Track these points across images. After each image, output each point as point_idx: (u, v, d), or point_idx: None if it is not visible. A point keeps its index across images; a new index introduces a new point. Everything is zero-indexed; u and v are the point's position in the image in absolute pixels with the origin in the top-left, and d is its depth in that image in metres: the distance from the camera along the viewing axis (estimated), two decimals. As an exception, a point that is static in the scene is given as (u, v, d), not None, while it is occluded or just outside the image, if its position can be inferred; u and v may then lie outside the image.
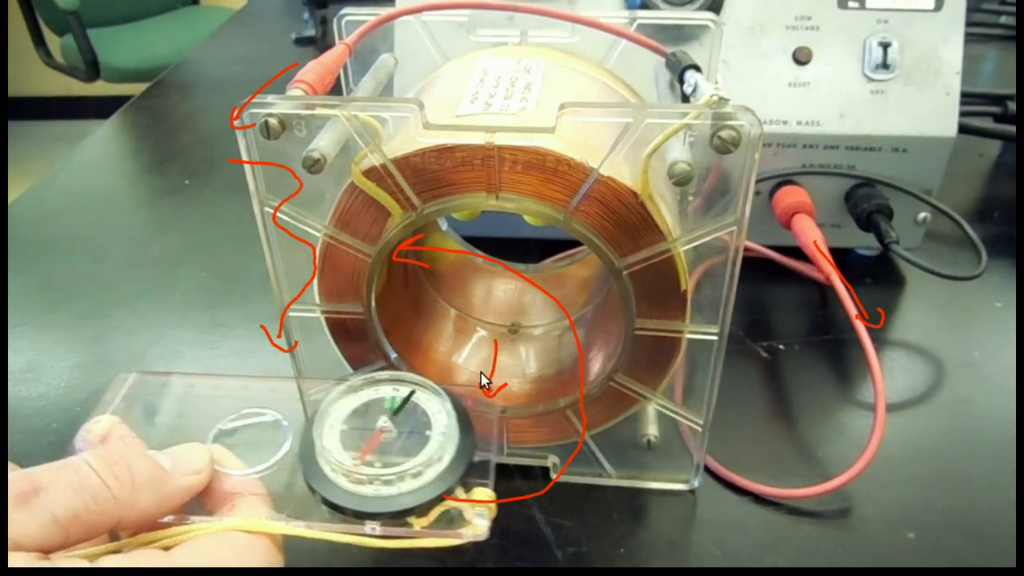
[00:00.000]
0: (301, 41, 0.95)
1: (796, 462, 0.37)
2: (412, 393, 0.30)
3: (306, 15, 0.99)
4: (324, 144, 0.28)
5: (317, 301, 0.33)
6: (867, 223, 0.47)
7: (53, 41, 2.05)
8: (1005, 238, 0.54)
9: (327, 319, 0.34)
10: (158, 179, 0.66)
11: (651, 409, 0.35)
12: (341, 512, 0.27)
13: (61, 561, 0.23)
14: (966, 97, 0.48)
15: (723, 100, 0.27)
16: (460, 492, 0.27)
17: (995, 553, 0.32)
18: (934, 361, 0.43)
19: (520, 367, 0.40)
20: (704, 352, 0.32)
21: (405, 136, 0.29)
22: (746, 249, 0.43)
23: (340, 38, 0.36)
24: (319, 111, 0.28)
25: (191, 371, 0.35)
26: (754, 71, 0.46)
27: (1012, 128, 0.58)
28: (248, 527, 0.26)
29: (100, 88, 2.05)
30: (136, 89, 0.88)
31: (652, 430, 0.35)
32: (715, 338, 0.31)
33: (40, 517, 0.23)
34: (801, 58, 0.46)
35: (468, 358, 0.40)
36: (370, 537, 0.26)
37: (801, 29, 0.46)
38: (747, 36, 0.46)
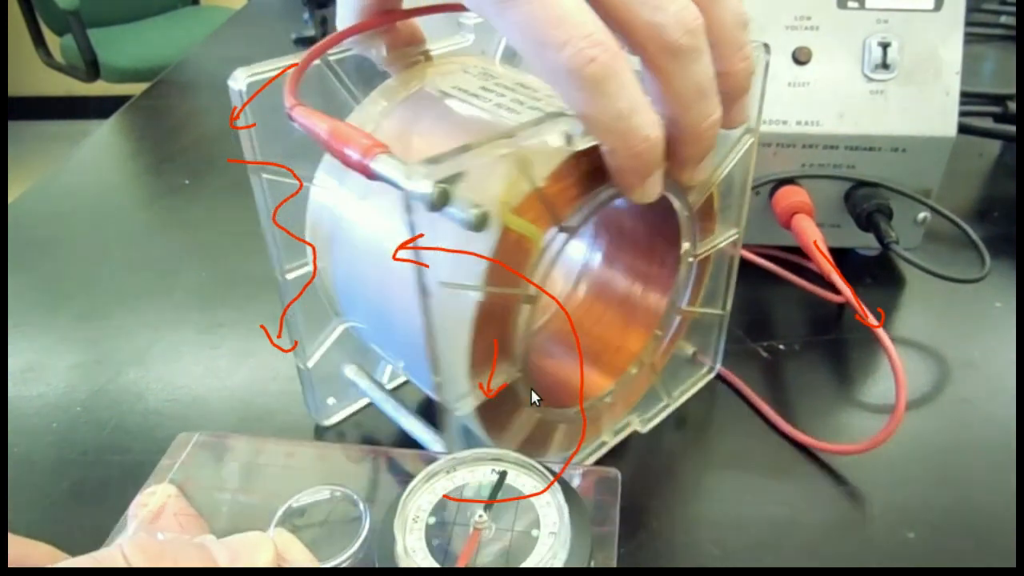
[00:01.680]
0: (301, 41, 0.96)
1: (796, 462, 0.37)
2: (503, 475, 0.25)
3: (306, 15, 0.99)
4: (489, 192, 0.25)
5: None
6: (867, 223, 0.47)
7: (53, 41, 2.05)
8: (1005, 238, 0.54)
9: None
10: (158, 179, 0.66)
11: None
12: None
13: None
14: (966, 97, 0.48)
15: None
16: None
17: (995, 553, 0.32)
18: (934, 361, 0.43)
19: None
20: (724, 258, 0.37)
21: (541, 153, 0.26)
22: (749, 262, 0.44)
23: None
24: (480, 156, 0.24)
25: (253, 435, 0.30)
26: (754, 71, 0.46)
27: (1012, 128, 0.58)
28: None
29: (100, 88, 2.06)
30: (136, 89, 0.88)
31: (689, 347, 0.39)
32: (735, 237, 0.37)
33: None
34: (801, 58, 0.46)
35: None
36: None
37: (801, 29, 0.46)
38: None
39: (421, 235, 0.23)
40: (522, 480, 0.25)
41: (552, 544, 0.23)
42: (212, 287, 0.51)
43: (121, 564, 0.21)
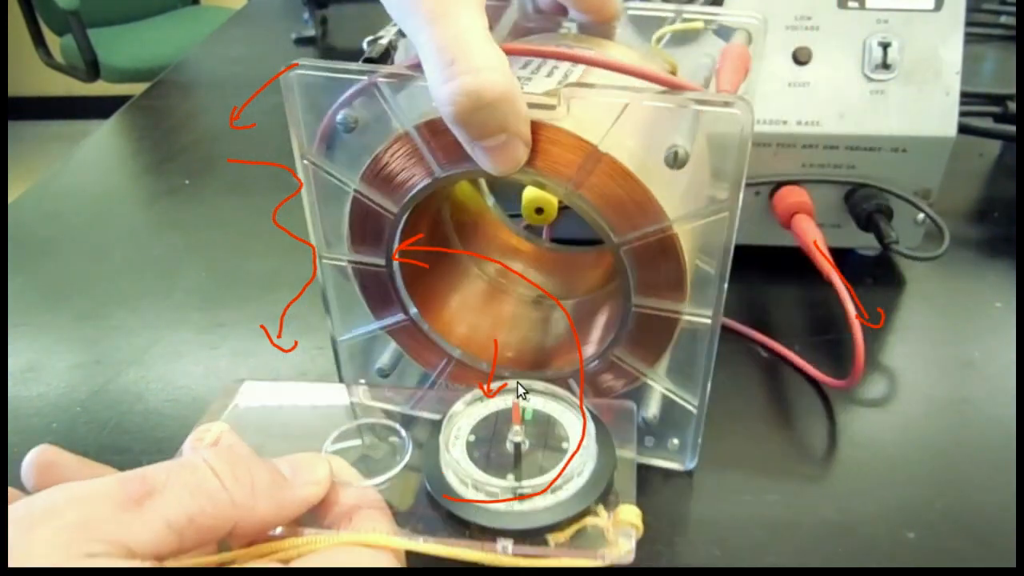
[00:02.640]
0: (301, 41, 0.96)
1: (796, 462, 0.37)
2: (526, 394, 0.29)
3: (306, 15, 0.99)
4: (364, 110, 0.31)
5: (346, 251, 0.35)
6: (867, 223, 0.47)
7: (53, 41, 2.05)
8: (1005, 238, 0.54)
9: (355, 269, 0.35)
10: (158, 179, 0.66)
11: (654, 391, 0.36)
12: (469, 528, 0.25)
13: (180, 567, 0.22)
14: (966, 97, 0.48)
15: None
16: (601, 511, 0.25)
17: (995, 553, 0.32)
18: (934, 361, 0.43)
19: (539, 336, 0.41)
20: (699, 336, 0.32)
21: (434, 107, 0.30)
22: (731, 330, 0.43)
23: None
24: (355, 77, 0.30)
25: (296, 379, 0.34)
26: (754, 71, 0.46)
27: (1012, 128, 0.58)
28: (371, 541, 0.24)
29: (100, 88, 2.06)
30: (136, 89, 0.88)
31: (652, 409, 0.35)
32: (708, 321, 0.32)
33: (153, 521, 0.21)
34: (801, 58, 0.46)
35: (486, 318, 0.41)
36: (501, 555, 0.24)
37: (801, 29, 0.46)
38: (747, 36, 0.46)
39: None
40: (550, 406, 0.29)
41: (582, 456, 0.26)
42: (212, 287, 0.51)
43: (203, 469, 0.23)
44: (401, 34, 0.36)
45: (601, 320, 0.39)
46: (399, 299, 0.36)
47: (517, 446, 0.27)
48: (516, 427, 0.28)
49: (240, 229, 0.57)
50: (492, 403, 0.29)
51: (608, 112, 0.29)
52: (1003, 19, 0.85)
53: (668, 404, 0.35)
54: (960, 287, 0.49)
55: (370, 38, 0.34)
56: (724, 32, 0.40)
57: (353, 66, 0.31)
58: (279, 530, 0.24)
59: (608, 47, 0.35)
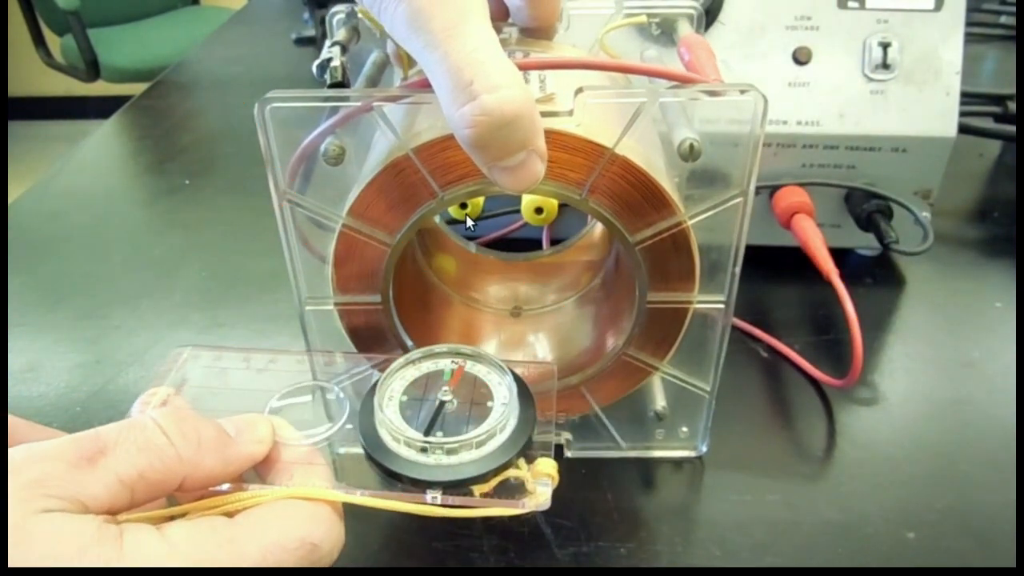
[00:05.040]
0: (301, 41, 0.96)
1: (796, 462, 0.37)
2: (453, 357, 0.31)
3: (306, 15, 0.99)
4: (345, 137, 0.29)
5: (331, 293, 0.33)
6: (867, 223, 0.47)
7: (53, 41, 2.05)
8: (1005, 238, 0.54)
9: (341, 311, 0.34)
10: (158, 179, 0.66)
11: (657, 382, 0.37)
12: (401, 481, 0.27)
13: (127, 523, 0.23)
14: (966, 97, 0.48)
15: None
16: (522, 464, 0.27)
17: (995, 553, 0.32)
18: (934, 361, 0.43)
19: (531, 351, 0.41)
20: (708, 323, 0.33)
21: (429, 125, 0.29)
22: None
23: (332, 35, 0.37)
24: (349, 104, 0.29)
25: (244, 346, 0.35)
26: (754, 71, 0.46)
27: (1012, 128, 0.58)
28: (310, 495, 0.25)
29: (100, 88, 2.05)
30: (136, 89, 0.88)
31: (660, 401, 0.36)
32: (722, 306, 0.33)
33: (106, 477, 0.22)
34: (801, 58, 0.46)
35: (480, 344, 0.41)
36: (431, 506, 0.26)
37: (801, 29, 0.46)
38: (747, 36, 0.46)
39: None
40: (477, 368, 0.31)
41: (504, 411, 0.28)
42: (212, 287, 0.51)
43: (151, 427, 0.24)
44: (344, 51, 0.34)
45: (603, 321, 0.40)
46: (395, 335, 0.35)
47: (441, 404, 0.29)
48: (444, 387, 0.29)
49: (240, 229, 0.57)
50: (423, 365, 0.31)
51: (614, 113, 0.29)
52: (1003, 19, 0.85)
53: (674, 394, 0.36)
54: (960, 287, 0.49)
55: (318, 62, 0.32)
56: (667, 23, 0.40)
57: (333, 93, 0.30)
58: (226, 486, 0.26)
59: (558, 48, 0.35)
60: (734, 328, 0.44)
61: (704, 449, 0.37)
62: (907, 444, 0.38)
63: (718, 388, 0.35)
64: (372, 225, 0.31)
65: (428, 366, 0.31)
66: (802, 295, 0.48)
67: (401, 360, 0.31)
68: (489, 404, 0.29)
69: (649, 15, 0.40)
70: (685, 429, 0.37)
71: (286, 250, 0.32)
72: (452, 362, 0.31)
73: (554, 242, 0.46)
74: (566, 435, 0.37)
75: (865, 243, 0.49)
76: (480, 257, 0.44)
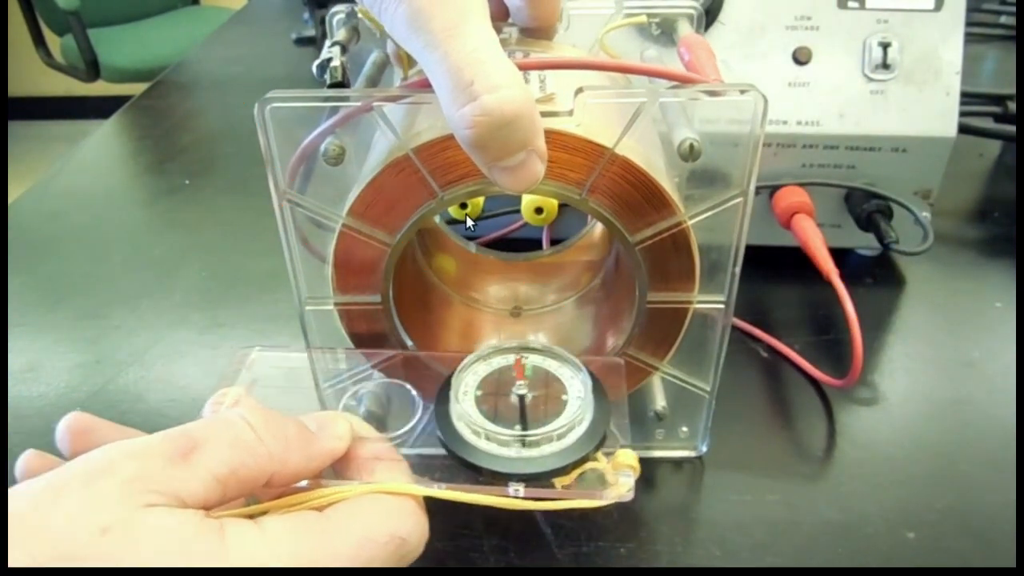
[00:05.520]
0: (301, 41, 0.96)
1: (796, 462, 0.37)
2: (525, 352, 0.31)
3: (306, 15, 0.99)
4: (345, 137, 0.29)
5: (331, 293, 0.33)
6: (867, 223, 0.47)
7: (53, 41, 2.05)
8: (1005, 238, 0.54)
9: (341, 311, 0.34)
10: (158, 179, 0.66)
11: (657, 382, 0.37)
12: (482, 474, 0.27)
13: (226, 518, 0.23)
14: (966, 97, 0.48)
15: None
16: (600, 456, 0.28)
17: (995, 553, 0.32)
18: (934, 361, 0.43)
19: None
20: (708, 323, 0.33)
21: (429, 126, 0.29)
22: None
23: (332, 35, 0.37)
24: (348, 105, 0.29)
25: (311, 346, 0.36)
26: (754, 71, 0.46)
27: (1012, 128, 0.58)
28: (395, 489, 0.26)
29: (100, 88, 2.06)
30: (136, 89, 0.88)
31: (660, 401, 0.36)
32: (722, 306, 0.33)
33: (200, 473, 0.23)
34: (801, 58, 0.46)
35: (480, 345, 0.41)
36: (513, 498, 0.26)
37: (801, 29, 0.46)
38: (747, 36, 0.46)
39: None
40: (547, 363, 0.31)
41: (581, 405, 0.28)
42: (212, 287, 0.51)
43: (240, 424, 0.24)
44: (344, 51, 0.34)
45: (603, 321, 0.40)
46: (395, 335, 0.35)
47: (522, 398, 0.29)
48: (520, 381, 0.30)
49: (240, 229, 0.57)
50: (495, 360, 0.31)
51: (614, 113, 0.29)
52: (1003, 19, 0.85)
53: (674, 394, 0.36)
54: (960, 287, 0.49)
55: (318, 62, 0.32)
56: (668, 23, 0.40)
57: (334, 93, 0.30)
58: (304, 483, 0.26)
59: (558, 48, 0.36)
60: (734, 328, 0.44)
61: (704, 449, 0.37)
62: (907, 444, 0.38)
63: (718, 388, 0.35)
64: (372, 225, 0.31)
65: (499, 361, 0.31)
66: (802, 295, 0.48)
67: (472, 356, 0.31)
68: (564, 398, 0.29)
69: (649, 15, 0.40)
70: (685, 429, 0.37)
71: (286, 250, 0.32)
72: (524, 357, 0.31)
73: (554, 242, 0.46)
74: None
75: (865, 243, 0.49)
76: (480, 257, 0.44)
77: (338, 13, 0.38)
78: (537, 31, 0.36)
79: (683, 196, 0.31)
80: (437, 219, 0.44)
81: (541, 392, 0.30)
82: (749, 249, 0.32)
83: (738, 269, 0.32)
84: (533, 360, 0.31)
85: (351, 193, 0.31)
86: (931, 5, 0.46)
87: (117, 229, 0.58)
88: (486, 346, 0.32)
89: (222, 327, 0.47)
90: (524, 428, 0.28)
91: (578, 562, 0.32)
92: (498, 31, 0.34)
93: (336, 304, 0.34)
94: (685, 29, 0.39)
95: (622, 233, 0.31)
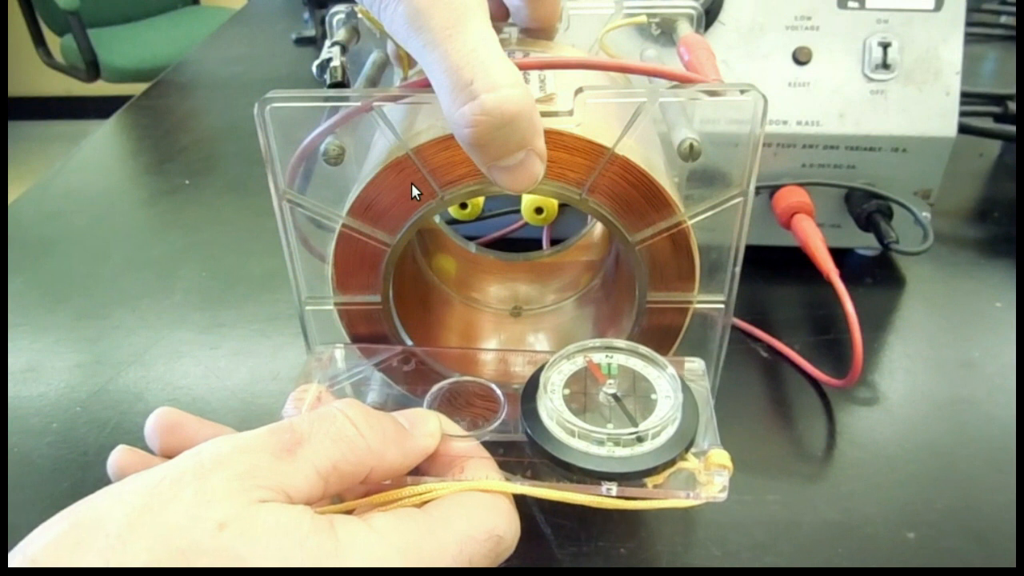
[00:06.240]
0: (301, 41, 0.96)
1: (796, 462, 0.37)
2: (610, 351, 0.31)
3: (306, 15, 0.99)
4: (345, 137, 0.29)
5: (331, 293, 0.33)
6: (867, 223, 0.47)
7: (53, 41, 2.05)
8: (1005, 238, 0.54)
9: (341, 311, 0.34)
10: (158, 179, 0.66)
11: None
12: (575, 473, 0.27)
13: (334, 514, 0.23)
14: (966, 97, 0.48)
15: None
16: (690, 456, 0.27)
17: (995, 553, 0.32)
18: (934, 361, 0.43)
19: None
20: (708, 323, 0.33)
21: (429, 126, 0.29)
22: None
23: (332, 35, 0.37)
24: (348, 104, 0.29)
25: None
26: (754, 71, 0.46)
27: (1012, 128, 0.58)
28: (488, 487, 0.25)
29: (100, 88, 2.06)
30: (136, 89, 0.88)
31: None
32: (722, 306, 0.33)
33: (305, 468, 0.23)
34: (801, 58, 0.46)
35: (480, 344, 0.41)
36: (606, 497, 0.26)
37: (801, 29, 0.46)
38: (747, 36, 0.46)
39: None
40: (632, 361, 0.31)
41: (672, 405, 0.28)
42: (212, 287, 0.51)
43: (341, 418, 0.24)
44: (344, 51, 0.34)
45: (603, 321, 0.40)
46: (395, 335, 0.35)
47: (613, 397, 0.29)
48: (610, 380, 0.30)
49: (240, 229, 0.57)
50: (579, 359, 0.31)
51: (614, 113, 0.29)
52: (1003, 19, 0.85)
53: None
54: (960, 287, 0.49)
55: (318, 62, 0.32)
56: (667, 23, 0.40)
57: (334, 93, 0.30)
58: (387, 482, 0.26)
59: (558, 48, 0.36)
60: (734, 328, 0.44)
61: (706, 446, 0.37)
62: (907, 444, 0.38)
63: (718, 388, 0.35)
64: (372, 225, 0.31)
65: (583, 360, 0.31)
66: (802, 295, 0.48)
67: (558, 355, 0.31)
68: (653, 397, 0.29)
69: (649, 15, 0.40)
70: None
71: (286, 250, 0.32)
72: (607, 356, 0.31)
73: (554, 242, 0.46)
74: None
75: (865, 243, 0.49)
76: (480, 257, 0.44)
77: (338, 13, 0.38)
78: (537, 31, 0.36)
79: (683, 196, 0.31)
80: (437, 219, 0.44)
81: (628, 392, 0.29)
82: (749, 249, 0.32)
83: (738, 269, 0.32)
84: (617, 359, 0.31)
85: (351, 193, 0.31)
86: (931, 5, 0.46)
87: (117, 229, 0.58)
88: (572, 345, 0.31)
89: (222, 327, 0.47)
90: (616, 427, 0.27)
91: (578, 562, 0.32)
92: (498, 31, 0.34)
93: (336, 304, 0.34)
94: (685, 29, 0.39)
95: (622, 233, 0.31)
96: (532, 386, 0.30)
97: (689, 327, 0.33)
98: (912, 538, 0.33)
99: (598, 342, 0.31)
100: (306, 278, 0.33)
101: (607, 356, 0.31)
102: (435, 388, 0.32)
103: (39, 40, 2.04)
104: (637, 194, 0.30)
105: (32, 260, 0.54)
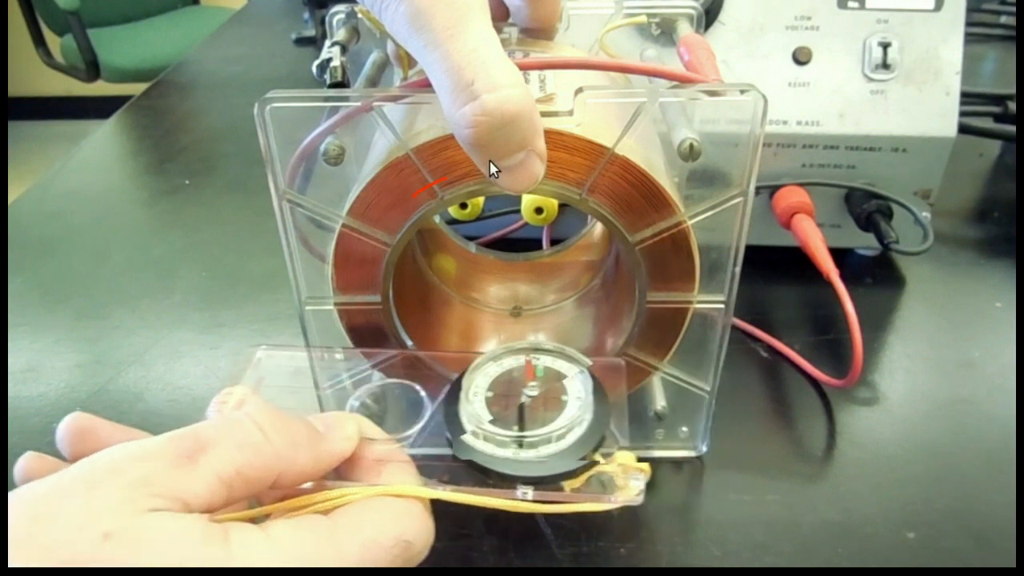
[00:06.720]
0: (301, 41, 0.96)
1: (796, 462, 0.37)
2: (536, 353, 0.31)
3: (306, 15, 0.99)
4: (345, 137, 0.29)
5: (331, 293, 0.33)
6: (867, 223, 0.47)
7: (53, 41, 2.05)
8: (1005, 238, 0.54)
9: (341, 311, 0.34)
10: (158, 179, 0.66)
11: (657, 382, 0.37)
12: (490, 477, 0.27)
13: (231, 522, 0.23)
14: (966, 97, 0.48)
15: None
16: (610, 459, 0.27)
17: (995, 553, 0.32)
18: (934, 361, 0.43)
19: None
20: (708, 323, 0.33)
21: (429, 126, 0.29)
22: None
23: (332, 35, 0.37)
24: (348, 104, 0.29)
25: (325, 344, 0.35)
26: (754, 71, 0.46)
27: (1012, 128, 0.58)
28: (401, 492, 0.25)
29: (100, 88, 2.06)
30: (136, 89, 0.88)
31: (660, 401, 0.36)
32: (722, 306, 0.33)
33: (207, 475, 0.22)
34: (801, 58, 0.46)
35: (480, 345, 0.41)
36: (522, 501, 0.26)
37: (801, 29, 0.46)
38: (747, 36, 0.46)
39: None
40: (558, 364, 0.31)
41: (580, 406, 0.28)
42: (212, 287, 0.51)
43: (248, 424, 0.24)
44: (344, 51, 0.34)
45: (603, 321, 0.40)
46: (395, 335, 0.35)
47: (524, 400, 0.29)
48: (532, 383, 0.30)
49: (240, 229, 0.57)
50: (505, 362, 0.31)
51: (614, 113, 0.29)
52: (1003, 19, 0.85)
53: (674, 394, 0.36)
54: (960, 287, 0.49)
55: (318, 62, 0.32)
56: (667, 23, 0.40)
57: (334, 93, 0.30)
58: (308, 485, 0.26)
59: (558, 48, 0.36)
60: (734, 328, 0.44)
61: (704, 449, 0.37)
62: (907, 444, 0.38)
63: (718, 388, 0.35)
64: (372, 225, 0.31)
65: (510, 362, 0.31)
66: (802, 295, 0.48)
67: (483, 357, 0.31)
68: (563, 398, 0.29)
69: (649, 15, 0.40)
70: (685, 429, 0.37)
71: (286, 250, 0.32)
72: (531, 357, 0.31)
73: (554, 242, 0.46)
74: None
75: (865, 243, 0.49)
76: (480, 257, 0.44)
77: (338, 13, 0.38)
78: (537, 31, 0.36)
79: (683, 196, 0.31)
80: (437, 219, 0.44)
81: (545, 394, 0.29)
82: (749, 249, 0.32)
83: (738, 269, 0.32)
84: (544, 361, 0.31)
85: (351, 193, 0.31)
86: (931, 5, 0.46)
87: (117, 229, 0.58)
88: (498, 347, 0.31)
89: (222, 327, 0.47)
90: (521, 429, 0.28)
91: (578, 562, 0.32)
92: (498, 31, 0.33)
93: (336, 304, 0.34)
94: (685, 29, 0.39)
95: (622, 233, 0.31)
96: (455, 389, 0.30)
97: (689, 327, 0.33)
98: (912, 538, 0.33)
99: (526, 343, 0.31)
100: (306, 278, 0.33)
101: (534, 358, 0.31)
102: (361, 390, 0.31)
103: (39, 40, 2.04)
104: (637, 194, 0.30)
105: (32, 260, 0.54)
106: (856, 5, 0.46)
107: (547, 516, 0.34)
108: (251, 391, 0.29)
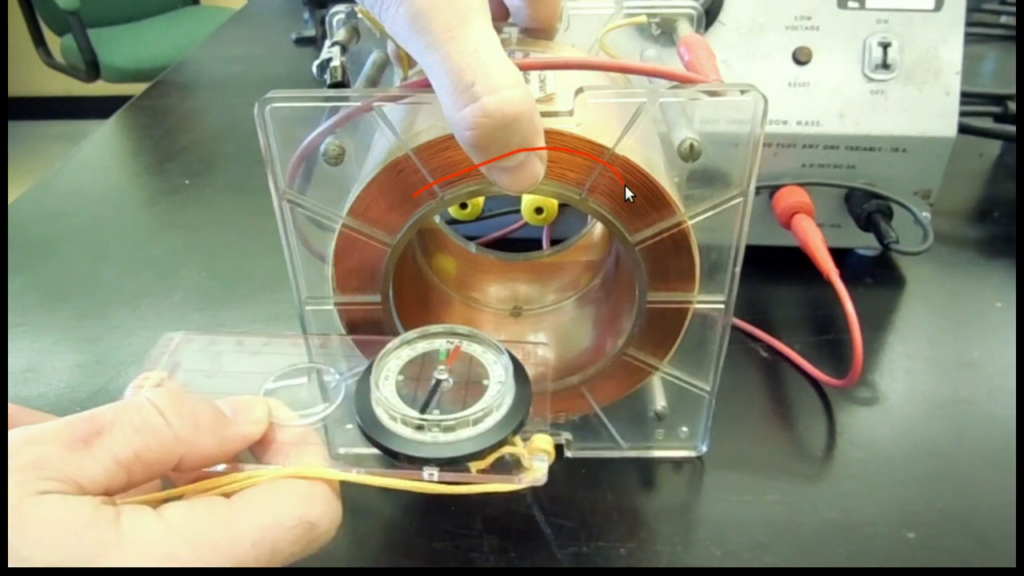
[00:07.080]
0: (301, 41, 0.96)
1: (796, 462, 0.37)
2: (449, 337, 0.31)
3: (306, 15, 0.99)
4: (345, 137, 0.29)
5: (331, 293, 0.33)
6: (867, 223, 0.47)
7: (53, 41, 2.05)
8: (1005, 238, 0.54)
9: (341, 311, 0.34)
10: (158, 179, 0.66)
11: (657, 382, 0.37)
12: (398, 459, 0.27)
13: (125, 504, 0.23)
14: (966, 97, 0.48)
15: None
16: (518, 441, 0.27)
17: (995, 553, 0.32)
18: (934, 361, 0.43)
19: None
20: (708, 323, 0.33)
21: (429, 126, 0.29)
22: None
23: (332, 35, 0.37)
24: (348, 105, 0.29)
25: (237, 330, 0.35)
26: (754, 71, 0.46)
27: (1012, 128, 0.58)
28: (308, 474, 0.25)
29: (100, 88, 2.06)
30: (136, 89, 0.88)
31: (660, 401, 0.36)
32: (722, 306, 0.33)
33: (103, 458, 0.22)
34: (801, 58, 0.46)
35: None
36: (427, 483, 0.26)
37: (801, 29, 0.46)
38: (747, 36, 0.46)
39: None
40: (472, 347, 0.31)
41: (500, 390, 0.28)
42: (212, 287, 0.51)
43: (147, 407, 0.24)
44: (344, 51, 0.34)
45: (603, 321, 0.40)
46: (395, 335, 0.34)
47: (438, 383, 0.29)
48: (441, 366, 0.30)
49: (240, 229, 0.57)
50: (419, 345, 0.31)
51: (614, 113, 0.29)
52: (1003, 19, 0.85)
53: (674, 394, 0.36)
54: (960, 287, 0.49)
55: (318, 62, 0.32)
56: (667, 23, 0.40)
57: (334, 93, 0.30)
58: (221, 467, 0.26)
59: (558, 48, 0.36)
60: (734, 328, 0.44)
61: (704, 449, 0.37)
62: (907, 444, 0.38)
63: (718, 388, 0.35)
64: (372, 225, 0.31)
65: (424, 346, 0.31)
66: (802, 295, 0.48)
67: (396, 341, 0.31)
68: (485, 383, 0.29)
69: (649, 15, 0.40)
70: (685, 429, 0.37)
71: (286, 250, 0.32)
72: (448, 342, 0.31)
73: (554, 242, 0.46)
74: (566, 435, 0.37)
75: (865, 243, 0.49)
76: (480, 257, 0.44)
77: (338, 13, 0.38)
78: (537, 31, 0.36)
79: (683, 196, 0.31)
80: (437, 219, 0.44)
81: (463, 378, 0.29)
82: (749, 249, 0.32)
83: (738, 269, 0.32)
84: (464, 345, 0.31)
85: (351, 193, 0.31)
86: (931, 5, 0.46)
87: (117, 229, 0.58)
88: (414, 331, 0.31)
89: (222, 327, 0.47)
90: (442, 412, 0.28)
91: (578, 562, 0.32)
92: (498, 31, 0.33)
93: (336, 304, 0.33)
94: (685, 29, 0.39)
95: (622, 233, 0.31)
96: (367, 373, 0.29)
97: (689, 327, 0.33)
98: (912, 538, 0.33)
99: (440, 327, 0.31)
100: (306, 278, 0.33)
101: (448, 342, 0.31)
102: (277, 373, 0.31)
103: (39, 40, 2.04)
104: (637, 194, 0.30)
105: (32, 260, 0.54)
106: (856, 5, 0.46)
107: (547, 515, 0.34)
108: (168, 376, 0.29)
